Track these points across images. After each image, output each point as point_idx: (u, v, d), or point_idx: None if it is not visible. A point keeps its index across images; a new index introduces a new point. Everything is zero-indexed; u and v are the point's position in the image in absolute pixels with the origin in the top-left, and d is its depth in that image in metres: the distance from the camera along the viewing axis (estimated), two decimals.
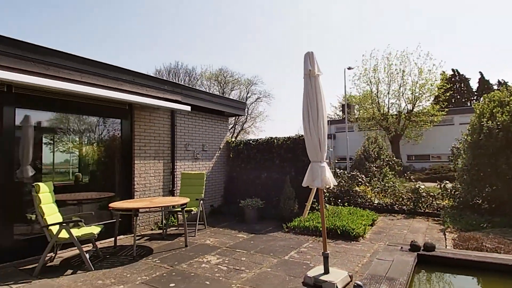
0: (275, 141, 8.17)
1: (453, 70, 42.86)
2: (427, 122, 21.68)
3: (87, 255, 4.40)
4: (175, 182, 7.32)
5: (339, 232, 5.73)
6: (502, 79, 39.83)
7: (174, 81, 34.88)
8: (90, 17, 50.82)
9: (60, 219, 4.53)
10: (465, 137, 7.63)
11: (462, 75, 42.89)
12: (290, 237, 5.96)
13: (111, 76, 5.80)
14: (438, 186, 8.13)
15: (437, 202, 7.91)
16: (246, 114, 37.51)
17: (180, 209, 5.74)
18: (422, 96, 21.42)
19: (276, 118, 60.75)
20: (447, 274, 3.24)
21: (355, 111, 26.51)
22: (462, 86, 42.70)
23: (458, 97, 41.76)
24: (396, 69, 21.93)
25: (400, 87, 22.01)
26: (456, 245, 4.23)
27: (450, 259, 3.23)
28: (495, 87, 41.14)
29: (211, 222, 7.34)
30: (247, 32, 62.06)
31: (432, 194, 8.02)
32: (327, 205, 7.62)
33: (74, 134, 5.98)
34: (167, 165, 7.27)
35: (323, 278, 3.59)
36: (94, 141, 6.34)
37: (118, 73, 5.94)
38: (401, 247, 3.60)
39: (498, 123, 6.73)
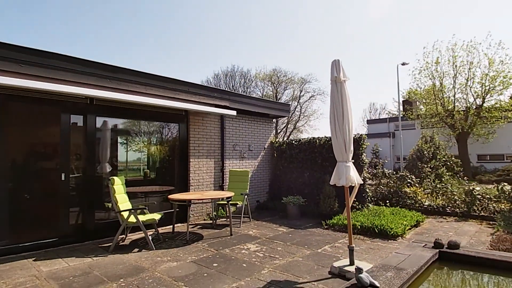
0: (317, 141, 8.44)
1: None
2: (500, 118, 19.40)
3: (150, 237, 5.32)
4: (224, 178, 8.10)
5: (377, 231, 5.85)
6: None
7: (227, 87, 36.75)
8: (160, 32, 55.81)
9: (130, 207, 5.54)
10: None
11: None
12: (328, 233, 6.25)
13: (170, 87, 6.77)
14: (495, 188, 7.57)
15: (494, 205, 7.39)
16: (300, 113, 37.60)
17: (226, 202, 6.45)
18: (493, 89, 19.26)
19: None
20: (468, 272, 3.31)
21: (421, 107, 24.76)
22: None
23: None
24: (462, 61, 20.08)
25: (467, 81, 20.09)
26: (492, 246, 4.13)
27: (472, 257, 3.30)
28: None
29: (256, 216, 7.95)
30: (299, 30, 61.80)
31: (488, 196, 7.52)
32: (370, 205, 7.66)
33: (143, 136, 7.09)
34: (218, 163, 8.08)
35: (347, 268, 3.91)
36: (158, 142, 7.41)
37: (175, 85, 6.89)
38: (425, 244, 3.73)
39: None
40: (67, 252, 5.05)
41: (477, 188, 7.69)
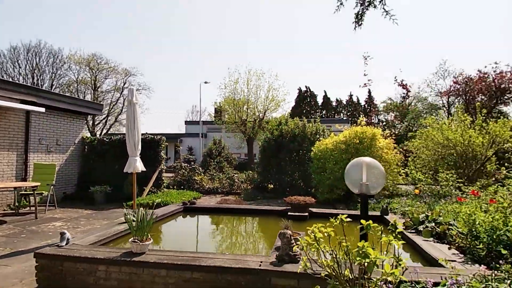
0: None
1: (306, 87, 52.98)
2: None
3: None
4: (28, 171, 8.48)
5: (162, 205, 8.35)
6: (339, 98, 52.54)
7: (29, 65, 31.48)
8: None
9: None
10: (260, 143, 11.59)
11: (312, 91, 53.43)
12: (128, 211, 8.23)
13: None
14: (244, 174, 11.92)
15: (244, 185, 11.63)
16: (122, 105, 36.41)
17: (32, 191, 7.22)
18: (270, 108, 26.91)
19: (157, 112, 60.39)
20: (199, 214, 6.29)
21: (226, 115, 30.26)
22: (312, 100, 53.19)
23: (308, 109, 51.84)
24: (254, 84, 26.78)
25: (255, 100, 26.96)
26: (218, 203, 7.51)
27: (201, 208, 6.28)
28: (334, 103, 53.38)
29: (63, 205, 8.82)
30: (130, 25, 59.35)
31: (241, 180, 11.72)
32: (165, 189, 10.23)
33: None
34: (21, 156, 8.37)
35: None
36: None
37: None
38: (179, 204, 6.46)
39: (273, 136, 10.81)
40: None
41: (236, 175, 11.77)
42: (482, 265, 2.78)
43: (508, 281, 2.51)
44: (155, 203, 8.30)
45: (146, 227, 3.49)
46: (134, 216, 3.82)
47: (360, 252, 1.87)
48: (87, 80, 35.22)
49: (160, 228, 5.37)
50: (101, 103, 19.80)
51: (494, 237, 3.35)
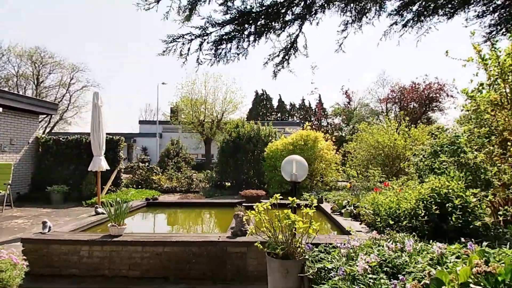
0: (84, 139, 10.35)
1: (262, 90, 54.70)
2: None
3: None
4: None
5: (123, 202, 8.79)
6: (293, 101, 55.12)
7: None
8: None
9: None
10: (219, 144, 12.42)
11: (268, 94, 55.30)
12: (87, 209, 8.51)
13: None
14: (203, 173, 12.64)
15: (202, 184, 12.35)
16: (69, 102, 34.37)
17: None
18: (227, 110, 27.72)
19: (109, 111, 57.69)
20: (161, 208, 6.95)
21: (182, 115, 30.39)
22: (267, 103, 55.02)
23: (264, 111, 53.59)
24: (211, 86, 27.34)
25: (213, 101, 27.55)
26: (178, 199, 8.22)
27: (161, 203, 6.94)
28: (288, 106, 55.77)
29: (18, 205, 8.80)
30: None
31: (199, 179, 12.41)
32: (123, 188, 10.57)
33: None
34: None
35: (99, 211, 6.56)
36: None
37: None
38: (145, 199, 7.06)
39: (232, 137, 11.71)
40: None
41: (195, 175, 12.43)
42: (375, 231, 3.99)
43: (389, 240, 3.70)
44: (123, 200, 8.83)
45: (123, 214, 4.17)
46: (103, 209, 4.47)
47: (286, 216, 2.86)
48: (28, 75, 32.92)
49: (126, 221, 5.95)
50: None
51: (389, 213, 4.63)
